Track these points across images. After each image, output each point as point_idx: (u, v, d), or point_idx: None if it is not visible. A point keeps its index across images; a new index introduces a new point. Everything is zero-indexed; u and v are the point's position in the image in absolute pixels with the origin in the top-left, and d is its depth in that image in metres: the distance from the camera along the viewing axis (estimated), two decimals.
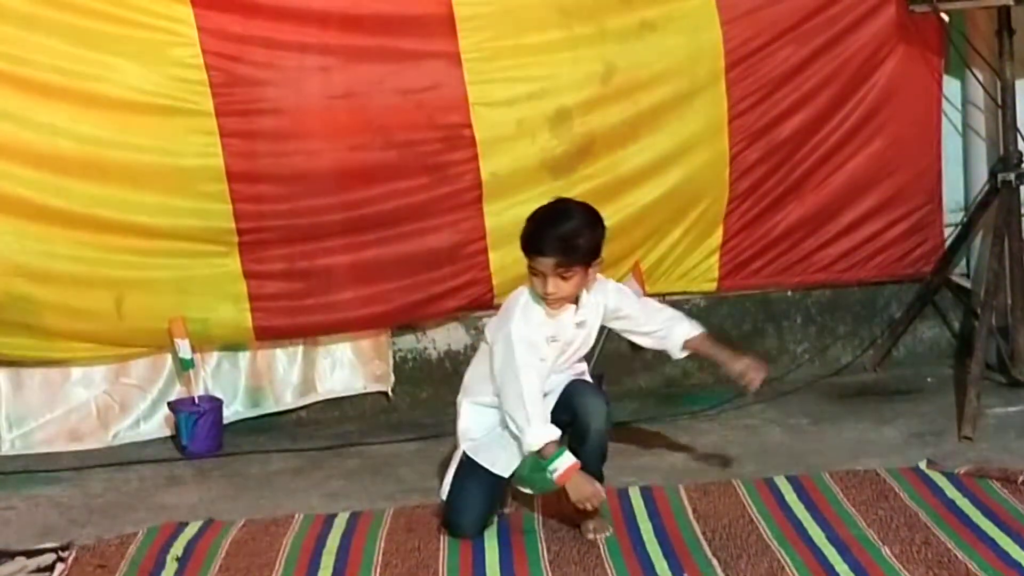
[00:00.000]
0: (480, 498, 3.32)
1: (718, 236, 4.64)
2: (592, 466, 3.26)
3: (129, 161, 4.11)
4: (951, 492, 3.36)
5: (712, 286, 4.71)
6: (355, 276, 4.38)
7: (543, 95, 4.34)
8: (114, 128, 4.09)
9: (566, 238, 3.22)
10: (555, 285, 3.23)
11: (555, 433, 3.18)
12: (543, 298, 3.26)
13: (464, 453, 3.35)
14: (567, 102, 4.36)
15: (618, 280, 4.54)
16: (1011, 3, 4.21)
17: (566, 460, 3.18)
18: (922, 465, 3.58)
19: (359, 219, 4.32)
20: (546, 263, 3.22)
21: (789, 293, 4.82)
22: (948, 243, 4.71)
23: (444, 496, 3.37)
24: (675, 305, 4.73)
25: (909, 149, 4.69)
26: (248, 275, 4.32)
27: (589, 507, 3.23)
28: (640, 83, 4.44)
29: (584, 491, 3.19)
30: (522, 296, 3.32)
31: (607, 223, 3.33)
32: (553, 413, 3.24)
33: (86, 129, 4.07)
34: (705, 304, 4.76)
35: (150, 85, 4.09)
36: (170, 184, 4.15)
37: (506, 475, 3.31)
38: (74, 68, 4.04)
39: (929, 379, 4.63)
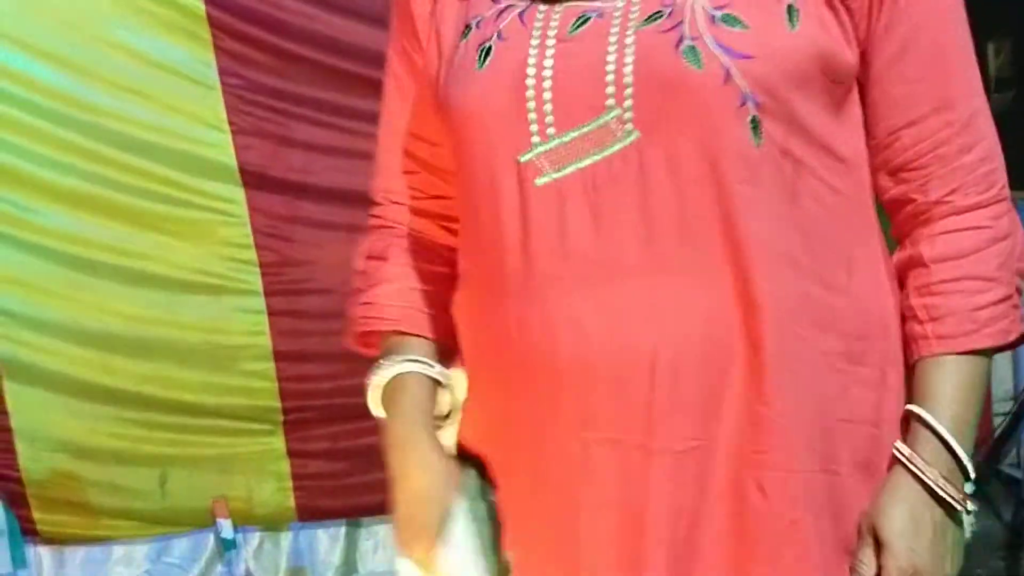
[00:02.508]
0: None
1: None
2: None
3: (176, 339, 4.16)
4: None
5: None
6: None
7: None
8: (162, 307, 4.15)
9: None
10: None
11: None
12: None
13: None
14: None
15: None
16: None
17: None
18: None
19: None
20: None
21: None
22: (997, 433, 4.65)
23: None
24: None
25: None
26: (291, 454, 4.31)
27: None
28: None
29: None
30: None
31: None
32: None
33: (134, 308, 4.13)
34: None
35: (199, 264, 4.15)
36: (216, 363, 4.19)
37: None
38: (124, 247, 4.11)
39: (978, 571, 4.54)
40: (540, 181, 1.51)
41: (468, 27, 1.59)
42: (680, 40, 1.47)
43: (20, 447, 4.15)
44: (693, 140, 1.47)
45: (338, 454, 4.34)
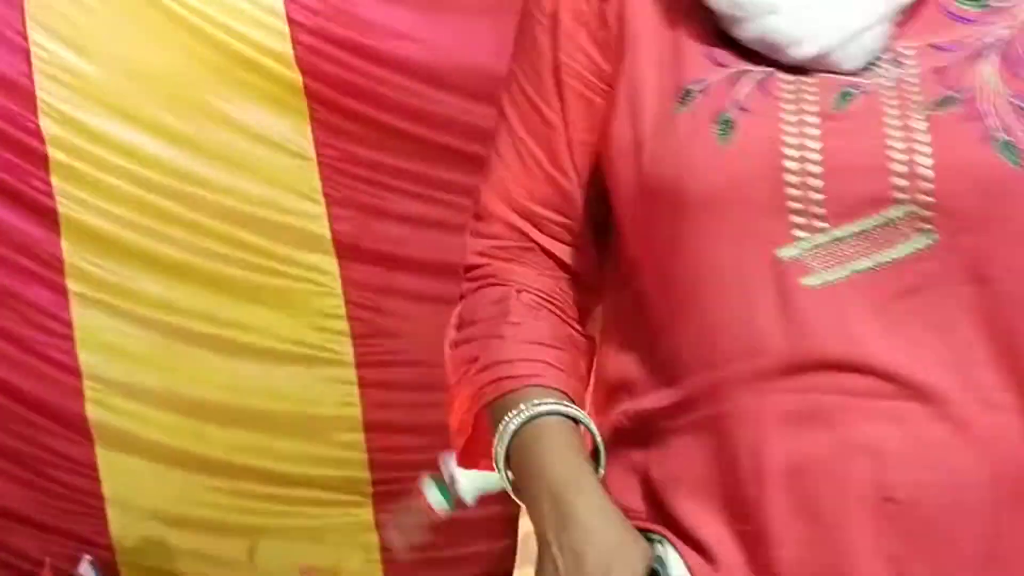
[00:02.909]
0: None
1: None
2: None
3: (268, 409, 4.18)
4: None
5: None
6: (487, 530, 4.33)
7: None
8: (255, 376, 4.17)
9: None
10: None
11: None
12: None
13: None
14: None
15: None
16: None
17: None
18: None
19: None
20: None
21: None
22: None
23: None
24: None
25: None
26: (381, 526, 4.29)
27: None
28: None
29: None
30: None
31: None
32: None
33: (228, 377, 4.16)
34: None
35: (293, 334, 4.17)
36: (307, 433, 4.20)
37: None
38: (219, 316, 4.15)
39: None
40: (810, 282, 1.29)
41: (687, 92, 1.35)
42: (987, 132, 1.28)
43: (112, 514, 4.18)
44: (1005, 248, 1.28)
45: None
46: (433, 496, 3.80)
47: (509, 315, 1.45)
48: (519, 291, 1.47)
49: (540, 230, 1.48)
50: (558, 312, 1.47)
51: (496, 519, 4.31)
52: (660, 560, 1.32)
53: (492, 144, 1.53)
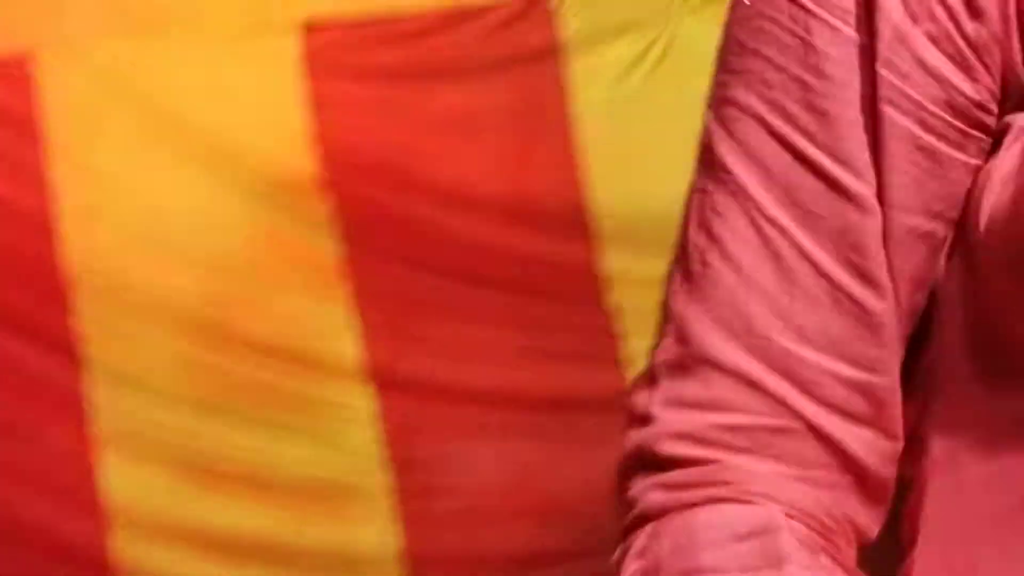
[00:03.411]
0: None
1: None
2: None
3: (305, 548, 4.08)
4: None
5: None
6: None
7: None
8: (290, 515, 4.07)
9: None
10: None
11: None
12: None
13: None
14: None
15: None
16: None
17: None
18: None
19: None
20: None
21: None
22: None
23: None
24: None
25: None
26: None
27: None
28: None
29: None
30: None
31: None
32: None
33: (261, 516, 4.06)
34: None
35: (327, 470, 4.08)
36: (346, 571, 4.10)
37: None
38: (250, 453, 4.05)
39: None
40: None
41: None
42: None
43: None
44: None
45: None
46: None
47: (784, 566, 0.90)
48: (788, 517, 0.93)
49: (811, 395, 0.91)
50: (833, 551, 0.93)
51: None
52: None
53: (691, 237, 0.96)
